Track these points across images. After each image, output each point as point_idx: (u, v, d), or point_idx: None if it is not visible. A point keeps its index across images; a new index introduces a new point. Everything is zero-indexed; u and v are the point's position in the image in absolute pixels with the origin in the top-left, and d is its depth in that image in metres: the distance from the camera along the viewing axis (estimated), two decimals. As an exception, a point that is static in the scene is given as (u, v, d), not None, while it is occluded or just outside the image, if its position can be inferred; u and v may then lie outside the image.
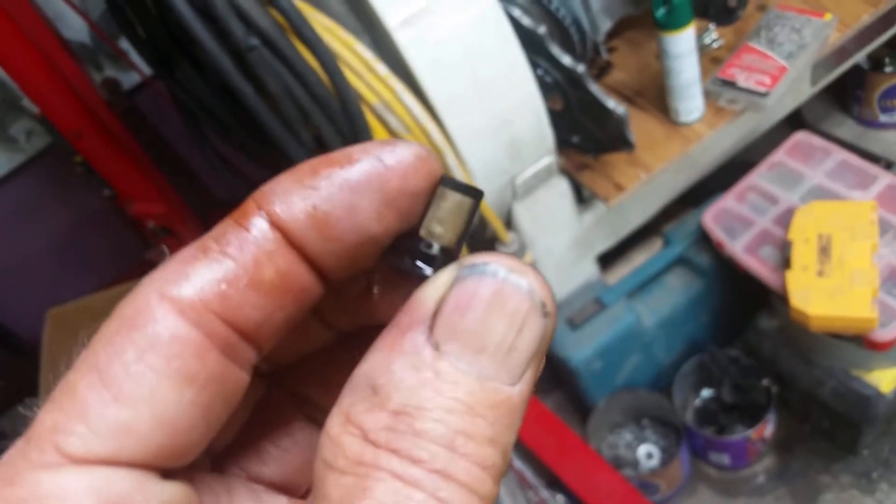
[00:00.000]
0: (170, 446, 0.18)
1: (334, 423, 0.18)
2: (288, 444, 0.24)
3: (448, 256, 0.20)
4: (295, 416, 0.24)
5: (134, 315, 0.18)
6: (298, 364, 0.24)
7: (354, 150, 0.20)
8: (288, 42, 0.92)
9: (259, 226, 0.19)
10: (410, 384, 0.17)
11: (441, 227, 0.20)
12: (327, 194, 0.19)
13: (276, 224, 0.19)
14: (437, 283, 0.19)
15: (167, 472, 0.18)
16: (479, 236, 1.21)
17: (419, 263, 0.20)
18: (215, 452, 0.22)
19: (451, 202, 0.20)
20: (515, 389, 0.18)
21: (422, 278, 0.20)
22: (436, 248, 0.20)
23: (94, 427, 0.17)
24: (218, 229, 0.20)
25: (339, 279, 0.21)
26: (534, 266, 0.19)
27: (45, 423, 0.17)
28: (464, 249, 0.21)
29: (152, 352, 0.18)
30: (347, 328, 0.23)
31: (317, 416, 0.24)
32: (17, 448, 0.17)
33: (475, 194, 0.21)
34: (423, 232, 0.20)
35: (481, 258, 0.19)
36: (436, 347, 0.18)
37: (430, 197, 0.20)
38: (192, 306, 0.18)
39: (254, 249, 0.19)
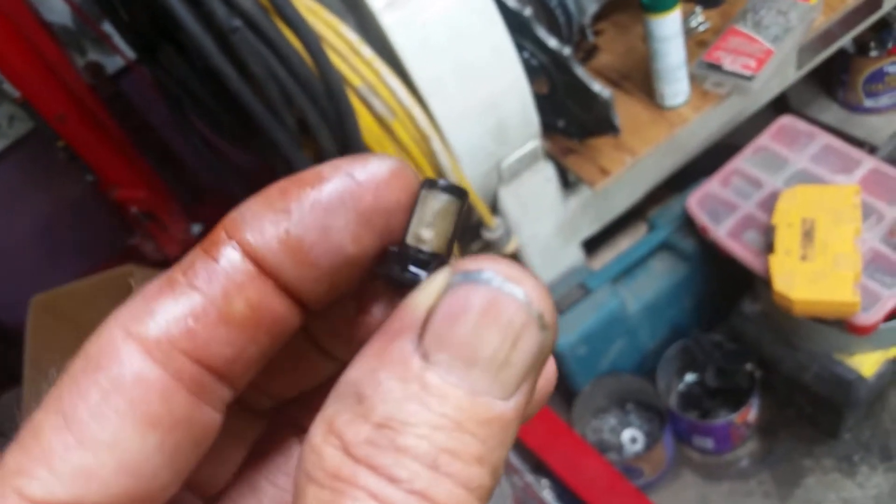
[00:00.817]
0: (134, 491, 0.17)
1: (317, 431, 0.17)
2: (286, 481, 0.22)
3: (439, 262, 0.19)
4: (293, 450, 0.23)
5: (98, 354, 0.18)
6: (302, 397, 0.23)
7: (324, 167, 0.19)
8: (271, 23, 0.92)
9: (228, 255, 0.18)
10: (396, 396, 0.16)
11: (428, 231, 0.19)
12: (299, 217, 0.18)
13: (247, 253, 0.18)
14: (429, 290, 0.18)
15: None
16: (465, 222, 1.21)
17: (411, 269, 0.19)
18: (210, 494, 0.21)
19: (437, 204, 0.19)
20: (509, 405, 0.17)
21: (410, 284, 0.18)
22: (426, 254, 0.19)
23: (57, 471, 0.16)
24: (186, 260, 0.19)
25: (320, 305, 0.20)
26: (533, 274, 0.18)
27: (9, 466, 0.17)
28: (455, 250, 0.20)
29: (116, 394, 0.17)
30: (348, 357, 0.21)
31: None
32: None
33: (460, 194, 0.19)
34: (409, 239, 0.19)
35: (476, 263, 0.17)
36: (424, 358, 0.17)
37: (412, 205, 0.19)
38: (157, 345, 0.18)
39: (223, 281, 0.18)
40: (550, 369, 0.21)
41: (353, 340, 0.21)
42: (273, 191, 0.19)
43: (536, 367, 0.17)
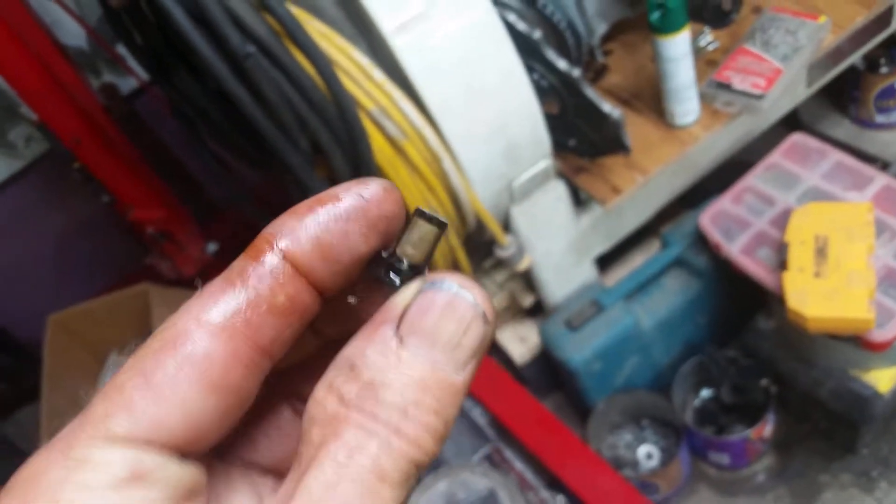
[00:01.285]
0: (192, 438, 0.22)
1: (320, 389, 0.23)
2: (276, 434, 0.28)
3: (416, 272, 0.25)
4: (283, 410, 0.29)
5: (174, 337, 0.23)
6: (290, 369, 0.29)
7: (338, 190, 0.25)
8: (284, 49, 0.93)
9: (271, 260, 0.24)
10: (379, 365, 0.23)
11: (412, 249, 0.25)
12: (325, 227, 0.24)
13: (286, 257, 0.24)
14: (406, 293, 0.24)
15: (185, 455, 0.23)
16: (477, 239, 1.21)
17: (392, 276, 0.25)
18: (213, 447, 0.26)
19: (422, 230, 0.25)
20: (459, 377, 0.23)
21: (392, 288, 0.25)
22: (405, 265, 0.25)
23: (136, 418, 0.22)
24: (238, 265, 0.24)
25: (334, 294, 0.26)
26: (480, 284, 0.24)
27: (98, 412, 0.22)
28: (441, 260, 0.25)
29: (189, 366, 0.22)
30: (334, 336, 0.28)
31: (302, 409, 0.28)
32: (73, 426, 0.22)
33: (440, 225, 0.26)
34: (398, 251, 0.25)
35: (440, 276, 0.24)
36: (400, 340, 0.23)
37: (406, 223, 0.26)
38: (223, 329, 0.23)
39: (270, 280, 0.24)
40: None
41: (343, 323, 0.28)
42: (302, 207, 0.25)
43: (481, 351, 0.24)
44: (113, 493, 0.21)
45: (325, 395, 0.23)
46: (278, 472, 0.28)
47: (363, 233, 0.25)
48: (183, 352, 0.22)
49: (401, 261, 0.25)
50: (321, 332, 0.29)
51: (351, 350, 0.23)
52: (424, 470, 0.23)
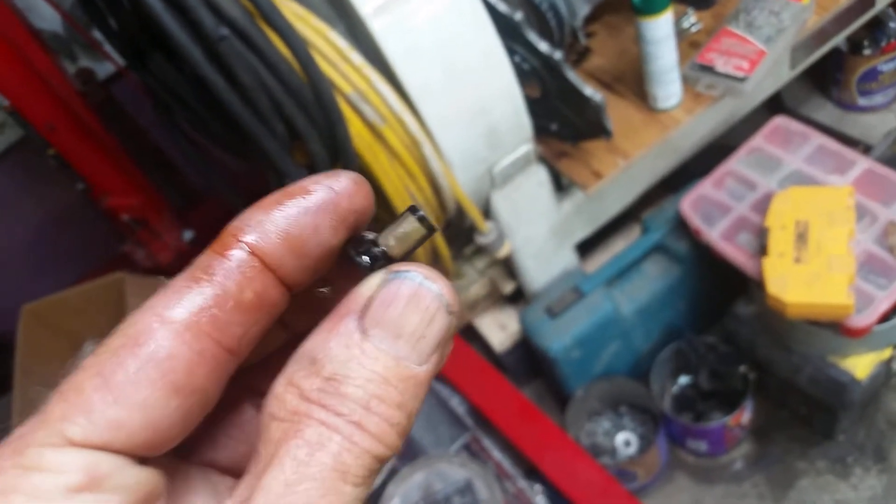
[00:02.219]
0: (152, 441, 0.22)
1: (279, 384, 0.22)
2: (238, 433, 0.27)
3: (387, 261, 0.25)
4: (246, 407, 0.28)
5: (136, 334, 0.22)
6: (253, 366, 0.28)
7: (307, 182, 0.24)
8: (259, 31, 0.91)
9: (238, 255, 0.23)
10: (342, 358, 0.22)
11: (394, 241, 0.25)
12: (295, 220, 0.24)
13: (253, 251, 0.23)
14: (370, 283, 0.24)
15: (145, 458, 0.22)
16: (457, 225, 1.20)
17: (365, 258, 0.25)
18: (172, 447, 0.25)
19: (409, 227, 0.25)
20: (423, 369, 0.23)
21: (363, 271, 0.24)
22: (380, 252, 0.25)
23: (95, 420, 0.21)
24: (203, 260, 0.24)
25: (302, 288, 0.25)
26: (443, 276, 0.24)
27: (54, 413, 0.21)
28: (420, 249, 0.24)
29: (150, 366, 0.22)
30: (302, 330, 0.27)
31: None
32: (26, 428, 0.21)
33: (429, 228, 0.25)
34: (380, 240, 0.25)
35: (405, 266, 0.24)
36: (364, 332, 0.22)
37: (398, 216, 0.25)
38: (187, 328, 0.22)
39: (237, 276, 0.23)
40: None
41: (311, 316, 0.26)
42: (270, 200, 0.24)
43: (445, 342, 0.24)
44: (66, 501, 0.20)
45: (284, 391, 0.22)
46: (238, 472, 0.26)
47: (333, 226, 0.24)
48: (145, 351, 0.22)
49: (378, 247, 0.25)
50: (290, 326, 0.28)
51: (312, 343, 0.23)
52: (385, 464, 0.23)
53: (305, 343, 0.23)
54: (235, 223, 0.24)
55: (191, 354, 0.22)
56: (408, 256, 0.25)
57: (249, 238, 0.23)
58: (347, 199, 0.24)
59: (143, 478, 0.22)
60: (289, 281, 0.24)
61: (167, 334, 0.22)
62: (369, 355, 0.22)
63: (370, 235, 0.25)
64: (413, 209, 0.25)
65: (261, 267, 0.23)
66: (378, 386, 0.22)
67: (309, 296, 0.26)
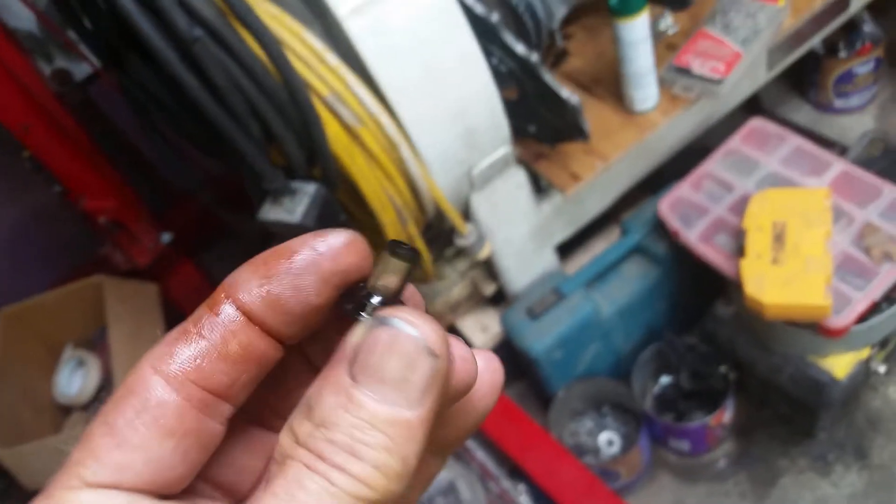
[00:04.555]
0: (157, 479, 0.24)
1: (283, 430, 0.24)
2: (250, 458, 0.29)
3: (382, 304, 0.26)
4: (257, 433, 0.30)
5: (133, 384, 0.25)
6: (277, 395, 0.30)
7: (294, 243, 0.26)
8: (233, 32, 0.90)
9: (226, 311, 0.25)
10: (331, 404, 0.23)
11: (382, 283, 0.26)
12: (277, 281, 0.25)
13: (240, 308, 0.25)
14: (357, 332, 0.25)
15: (159, 493, 0.24)
16: (437, 229, 1.20)
17: (350, 307, 0.26)
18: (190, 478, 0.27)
19: (393, 265, 0.26)
20: (413, 413, 0.24)
21: (353, 319, 0.25)
22: (376, 300, 0.26)
23: (103, 463, 0.23)
24: (196, 314, 0.26)
25: (295, 340, 0.27)
26: (432, 319, 0.25)
27: (73, 458, 0.24)
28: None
29: (144, 412, 0.24)
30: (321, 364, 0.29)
31: (274, 425, 0.30)
32: (56, 474, 0.24)
33: (412, 259, 0.26)
34: (369, 286, 0.26)
35: (389, 312, 0.25)
36: (353, 379, 0.24)
37: (377, 261, 0.26)
38: (175, 377, 0.25)
39: (222, 330, 0.25)
40: (494, 366, 0.29)
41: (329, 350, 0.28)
42: (258, 261, 0.26)
43: (435, 384, 0.24)
44: None
45: (284, 434, 0.24)
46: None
47: (316, 287, 0.26)
48: (140, 399, 0.24)
49: (371, 296, 0.26)
50: (312, 362, 0.30)
51: (311, 390, 0.25)
52: None
53: (309, 390, 0.25)
54: (227, 280, 0.26)
55: (179, 401, 0.24)
56: (401, 293, 0.26)
57: (236, 295, 0.25)
58: (331, 260, 0.26)
59: None
60: (277, 335, 0.26)
61: (158, 383, 0.24)
62: (355, 402, 0.23)
63: (362, 285, 0.26)
64: (390, 246, 0.26)
65: (245, 321, 0.25)
66: (363, 432, 0.23)
67: (329, 340, 0.28)
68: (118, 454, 0.24)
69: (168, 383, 0.24)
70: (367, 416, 0.23)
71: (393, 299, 0.26)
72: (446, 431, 0.28)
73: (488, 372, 0.28)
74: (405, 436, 0.23)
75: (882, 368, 1.25)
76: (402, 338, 0.24)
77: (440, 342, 0.24)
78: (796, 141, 1.25)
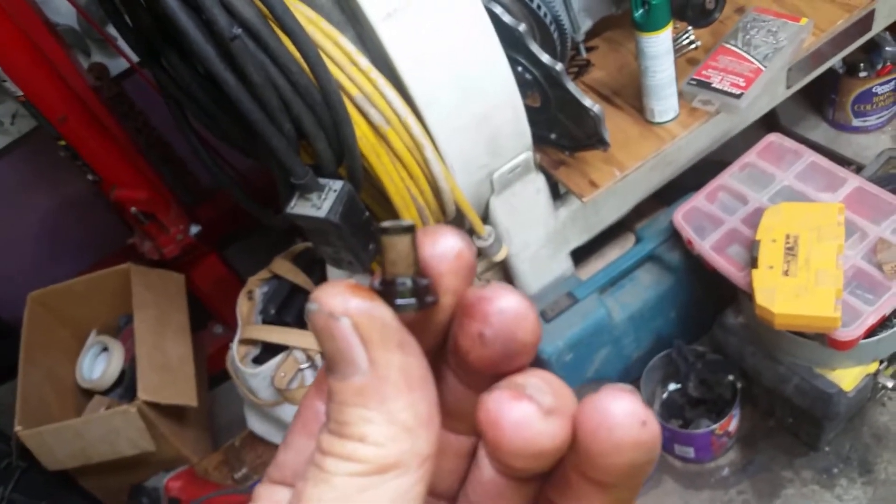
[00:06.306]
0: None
1: None
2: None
3: (415, 284, 0.24)
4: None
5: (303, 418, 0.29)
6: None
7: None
8: (271, 32, 0.94)
9: None
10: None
11: (396, 266, 0.24)
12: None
13: None
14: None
15: None
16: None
17: (398, 301, 0.24)
18: None
19: (395, 245, 0.24)
20: (364, 376, 0.23)
21: (410, 311, 0.24)
22: (406, 284, 0.24)
23: (278, 467, 0.28)
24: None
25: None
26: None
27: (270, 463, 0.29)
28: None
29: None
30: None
31: None
32: None
33: (408, 230, 0.24)
34: (388, 276, 0.24)
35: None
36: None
37: (380, 246, 0.25)
38: None
39: None
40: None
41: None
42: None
43: (374, 339, 0.23)
44: None
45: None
46: None
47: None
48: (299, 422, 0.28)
49: (394, 283, 0.24)
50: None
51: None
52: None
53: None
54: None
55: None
56: (417, 263, 0.25)
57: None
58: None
59: None
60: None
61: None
62: (330, 393, 0.25)
63: (379, 285, 0.25)
64: (382, 230, 0.25)
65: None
66: (343, 413, 0.24)
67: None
68: (284, 458, 0.28)
69: None
70: (339, 399, 0.23)
71: (416, 271, 0.25)
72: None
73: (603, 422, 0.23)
74: (376, 398, 0.23)
75: (890, 383, 1.26)
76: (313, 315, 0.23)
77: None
78: (812, 157, 1.28)
